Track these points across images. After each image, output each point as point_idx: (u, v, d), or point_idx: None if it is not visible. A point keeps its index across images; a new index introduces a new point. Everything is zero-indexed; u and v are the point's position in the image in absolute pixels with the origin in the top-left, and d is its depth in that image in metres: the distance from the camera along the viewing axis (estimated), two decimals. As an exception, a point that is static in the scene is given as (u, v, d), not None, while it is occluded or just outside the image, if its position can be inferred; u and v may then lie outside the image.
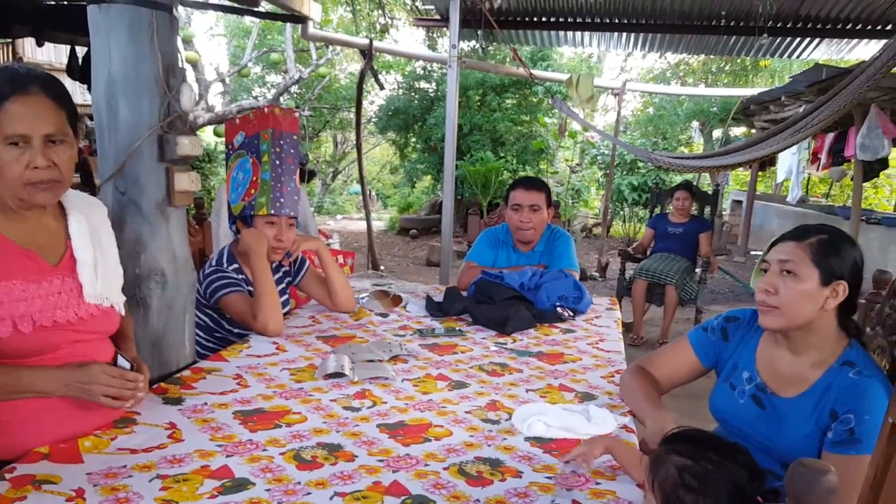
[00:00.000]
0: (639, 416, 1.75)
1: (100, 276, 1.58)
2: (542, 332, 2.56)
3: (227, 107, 10.66)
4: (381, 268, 8.72)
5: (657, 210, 6.21)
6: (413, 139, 13.16)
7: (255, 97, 12.80)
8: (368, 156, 20.42)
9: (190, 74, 12.22)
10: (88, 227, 1.60)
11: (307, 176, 13.11)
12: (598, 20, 7.27)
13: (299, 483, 1.36)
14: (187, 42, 10.80)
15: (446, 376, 2.03)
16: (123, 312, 1.66)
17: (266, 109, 2.52)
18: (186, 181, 1.94)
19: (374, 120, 14.11)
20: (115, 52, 1.84)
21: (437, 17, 7.69)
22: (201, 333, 2.51)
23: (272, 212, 2.43)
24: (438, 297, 2.85)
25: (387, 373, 1.99)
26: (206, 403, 1.73)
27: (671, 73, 16.20)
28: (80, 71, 6.44)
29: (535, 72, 6.86)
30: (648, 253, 5.95)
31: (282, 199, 2.46)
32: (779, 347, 1.70)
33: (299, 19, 5.83)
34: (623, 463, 1.44)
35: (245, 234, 2.44)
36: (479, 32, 7.34)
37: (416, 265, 10.31)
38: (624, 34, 7.57)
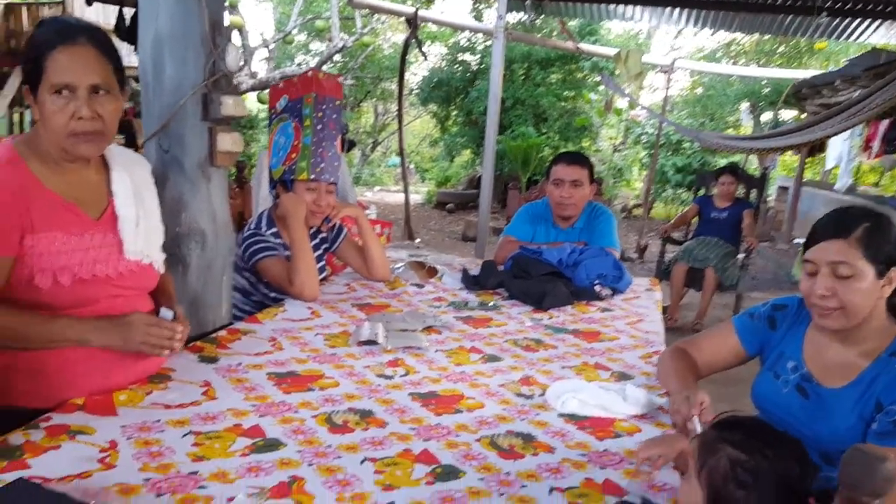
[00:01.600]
0: (672, 396, 1.71)
1: (141, 234, 1.58)
2: (579, 310, 2.52)
3: (271, 73, 10.69)
4: (418, 239, 8.73)
5: (701, 192, 6.07)
6: (454, 112, 13.09)
7: (299, 65, 12.82)
8: (408, 128, 20.37)
9: (235, 39, 12.29)
10: (131, 183, 1.60)
11: (347, 146, 13.15)
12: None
13: (330, 446, 1.36)
14: (233, 7, 10.82)
15: (480, 349, 2.01)
16: (162, 270, 1.67)
17: (310, 73, 2.50)
18: (229, 142, 1.94)
19: (415, 91, 14.03)
20: (162, 9, 1.84)
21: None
22: (238, 296, 2.52)
23: (312, 177, 2.42)
24: (475, 271, 2.83)
25: (420, 343, 1.98)
26: (240, 364, 1.74)
27: (722, 53, 15.78)
28: (126, 31, 6.50)
29: (583, 46, 6.74)
30: (690, 236, 5.84)
31: (322, 165, 2.44)
32: (828, 337, 1.64)
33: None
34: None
35: (284, 199, 2.44)
36: (526, 4, 7.22)
37: (452, 240, 10.30)
38: (676, 9, 7.37)
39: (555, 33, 11.52)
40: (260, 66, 11.57)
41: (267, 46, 10.85)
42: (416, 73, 15.43)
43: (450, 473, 1.29)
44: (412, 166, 19.77)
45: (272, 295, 2.48)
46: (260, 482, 1.21)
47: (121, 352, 1.50)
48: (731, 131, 12.78)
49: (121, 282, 1.54)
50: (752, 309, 1.85)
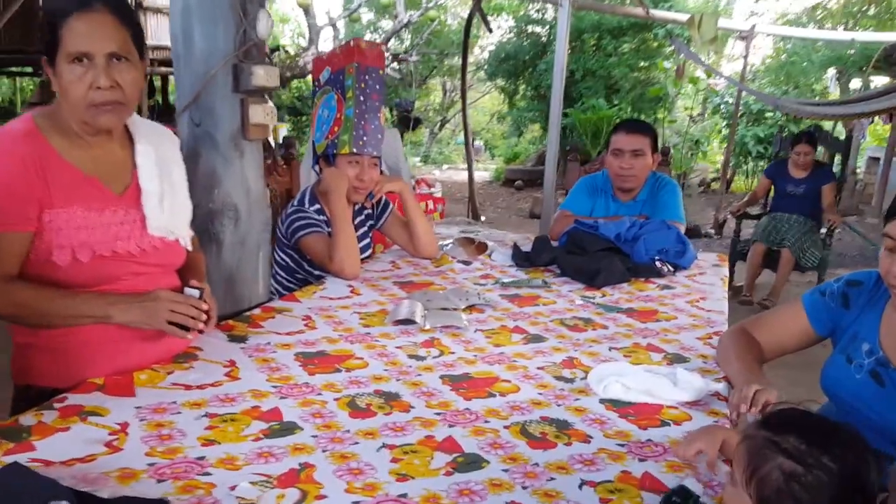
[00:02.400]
0: (732, 383, 1.56)
1: (166, 209, 1.53)
2: (637, 288, 2.37)
3: (337, 52, 10.69)
4: (482, 218, 8.61)
5: (781, 155, 5.64)
6: (522, 86, 12.84)
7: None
8: (477, 104, 20.16)
9: (301, 19, 12.38)
10: (156, 157, 1.55)
11: (413, 123, 13.14)
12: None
13: (348, 431, 1.28)
14: (300, -14, 10.86)
15: (523, 329, 1.90)
16: (190, 247, 1.62)
17: (352, 43, 2.42)
18: (261, 113, 1.88)
19: (483, 67, 13.81)
20: (189, -24, 1.78)
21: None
22: (282, 273, 2.48)
23: (354, 150, 2.34)
24: (526, 247, 2.70)
25: (459, 321, 1.88)
26: (269, 343, 1.69)
27: (807, 18, 14.87)
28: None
29: (654, 12, 6.41)
30: (767, 209, 5.48)
31: (365, 138, 2.36)
32: (906, 318, 1.46)
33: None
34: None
35: (326, 173, 2.37)
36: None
37: (519, 217, 10.15)
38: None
39: (629, 0, 11.09)
40: (327, 46, 11.62)
41: (333, 25, 10.85)
42: (485, 47, 15.20)
43: (472, 463, 1.20)
44: (482, 143, 19.59)
45: (316, 272, 2.43)
46: (268, 469, 1.14)
47: (143, 330, 1.46)
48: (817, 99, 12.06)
49: (144, 259, 1.50)
50: (823, 286, 1.67)
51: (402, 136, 12.85)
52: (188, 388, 1.42)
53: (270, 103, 1.91)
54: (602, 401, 1.47)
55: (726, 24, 9.57)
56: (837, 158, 5.40)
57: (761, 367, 1.60)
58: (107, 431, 1.23)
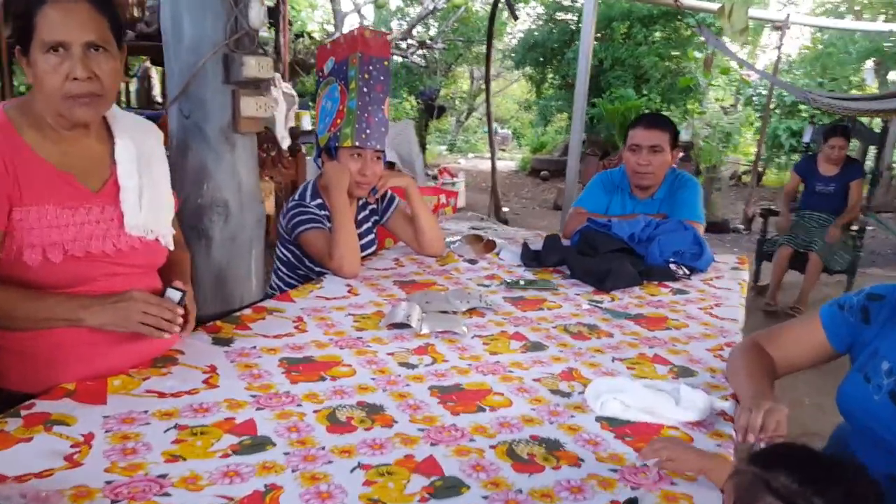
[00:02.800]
0: (740, 401, 1.46)
1: (145, 206, 1.47)
2: (649, 292, 2.26)
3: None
4: (506, 209, 8.49)
5: (813, 148, 5.43)
6: (550, 75, 12.64)
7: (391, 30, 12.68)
8: (506, 93, 19.95)
9: (326, 5, 12.28)
10: (137, 151, 1.49)
11: (437, 112, 13.02)
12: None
13: (323, 448, 1.21)
14: (326, -27, 10.77)
15: (523, 335, 1.81)
16: (172, 246, 1.56)
17: (356, 32, 2.33)
18: (253, 106, 1.81)
19: (510, 54, 13.64)
20: (179, -38, 1.70)
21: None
22: (283, 269, 2.42)
23: (357, 143, 2.26)
24: (537, 245, 2.60)
25: (457, 327, 1.80)
26: (254, 347, 1.62)
27: (846, 8, 14.41)
28: None
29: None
30: (797, 206, 5.28)
31: (368, 131, 2.28)
32: (932, 336, 1.35)
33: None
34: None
35: (327, 167, 2.30)
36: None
37: (543, 208, 10.01)
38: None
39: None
40: (352, 32, 11.47)
41: (358, 11, 10.77)
42: (513, 34, 15.00)
43: (450, 488, 1.12)
44: (509, 132, 19.40)
45: (317, 269, 2.36)
46: (232, 490, 1.08)
47: (119, 333, 1.40)
48: (854, 92, 11.69)
49: (120, 259, 1.43)
50: (843, 298, 1.56)
51: (426, 125, 12.81)
52: (162, 395, 1.36)
53: (263, 97, 1.83)
54: (598, 419, 1.38)
55: (760, 14, 9.31)
56: (872, 152, 5.17)
57: (772, 385, 1.50)
58: (69, 443, 1.17)
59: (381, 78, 2.32)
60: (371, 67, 2.29)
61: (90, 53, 1.32)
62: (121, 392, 1.36)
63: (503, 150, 18.03)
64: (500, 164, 14.83)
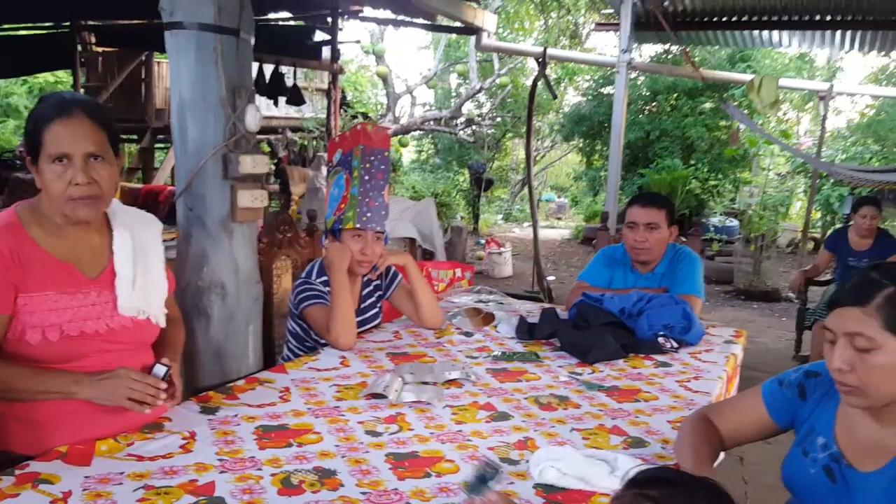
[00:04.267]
0: (680, 474, 1.52)
1: (137, 290, 1.67)
2: (632, 365, 2.33)
3: (412, 118, 11.09)
4: (552, 277, 8.57)
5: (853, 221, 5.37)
6: (598, 146, 12.82)
7: (440, 108, 13.17)
8: (563, 161, 20.28)
9: (380, 88, 12.93)
10: (133, 242, 1.70)
11: (485, 184, 13.35)
12: (797, 18, 6.58)
13: (271, 509, 1.34)
14: (379, 57, 11.40)
15: (493, 406, 1.92)
16: (163, 324, 1.75)
17: (359, 126, 2.57)
18: (249, 198, 2.02)
19: (556, 128, 13.94)
20: (184, 74, 1.96)
21: (618, 21, 7.39)
22: (293, 341, 2.60)
23: (358, 225, 2.46)
24: (534, 318, 2.72)
25: (434, 397, 1.92)
26: (236, 415, 1.78)
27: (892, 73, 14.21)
28: (265, 86, 7.02)
29: (707, 72, 6.38)
30: (832, 279, 5.20)
31: (368, 214, 2.48)
32: (861, 413, 1.40)
33: (473, 31, 5.90)
34: None
35: (329, 248, 2.49)
36: (656, 35, 6.98)
37: (590, 277, 9.98)
38: (828, 32, 6.78)
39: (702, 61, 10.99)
40: (404, 113, 12.04)
41: (410, 92, 11.28)
42: (562, 109, 15.35)
43: (374, 547, 1.23)
44: (566, 200, 19.59)
45: (322, 342, 2.53)
46: (178, 543, 1.21)
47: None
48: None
49: (112, 337, 1.63)
50: (783, 375, 1.62)
51: (478, 197, 13.13)
52: (140, 459, 1.52)
53: (259, 190, 2.04)
54: (536, 486, 1.47)
55: (804, 85, 9.34)
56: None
57: (713, 460, 1.56)
58: (49, 499, 1.33)
59: (382, 167, 2.53)
60: (373, 157, 2.50)
61: (90, 162, 1.55)
62: (106, 455, 1.53)
63: (559, 219, 18.17)
64: (554, 233, 15.00)
